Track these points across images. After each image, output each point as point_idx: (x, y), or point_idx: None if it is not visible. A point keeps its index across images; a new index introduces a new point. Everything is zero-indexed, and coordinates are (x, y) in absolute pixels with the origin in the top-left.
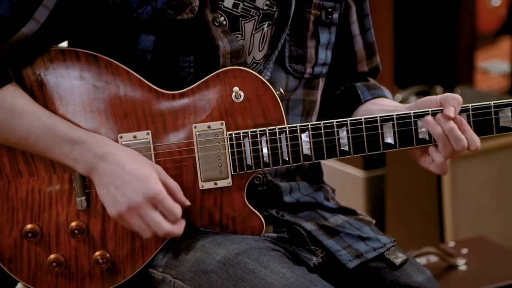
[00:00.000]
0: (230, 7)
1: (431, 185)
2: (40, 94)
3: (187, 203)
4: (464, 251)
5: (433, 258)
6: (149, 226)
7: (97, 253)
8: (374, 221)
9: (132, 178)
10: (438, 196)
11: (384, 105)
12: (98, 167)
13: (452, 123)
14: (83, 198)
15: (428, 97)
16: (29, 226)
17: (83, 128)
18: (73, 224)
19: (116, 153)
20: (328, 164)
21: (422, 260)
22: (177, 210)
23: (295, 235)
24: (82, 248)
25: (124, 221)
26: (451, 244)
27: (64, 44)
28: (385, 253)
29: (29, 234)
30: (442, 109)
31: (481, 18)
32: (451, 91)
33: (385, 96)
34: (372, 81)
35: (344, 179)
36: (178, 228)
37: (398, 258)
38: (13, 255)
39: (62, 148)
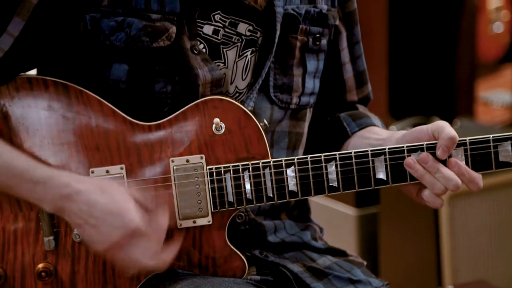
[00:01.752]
0: (210, 33)
1: (428, 224)
2: (5, 126)
3: (172, 225)
4: None
5: None
6: (132, 263)
7: None
8: (365, 263)
9: (106, 215)
10: (435, 236)
11: (372, 137)
12: (66, 208)
13: (438, 165)
14: (51, 237)
15: (419, 128)
16: None
17: (50, 163)
18: (40, 266)
19: (84, 190)
20: (317, 201)
21: None
22: (159, 242)
23: (280, 277)
24: None
25: (111, 258)
26: (450, 287)
27: (33, 72)
28: None
29: None
30: (434, 144)
31: (482, 45)
32: (450, 123)
33: (373, 124)
34: (361, 108)
35: (334, 217)
36: (162, 262)
37: None
38: None
39: (23, 187)
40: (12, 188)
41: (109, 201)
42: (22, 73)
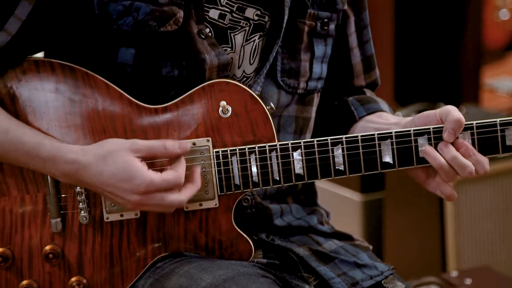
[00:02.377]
0: (216, 18)
1: (433, 210)
2: (12, 108)
3: (184, 148)
4: (468, 281)
5: None
6: (167, 207)
7: (73, 278)
8: (371, 247)
9: (116, 182)
10: (440, 222)
11: (380, 122)
12: (80, 181)
13: (454, 151)
14: (58, 219)
15: (427, 112)
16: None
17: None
18: (47, 247)
19: (89, 163)
20: (323, 187)
21: None
22: (178, 177)
23: (286, 261)
24: (57, 273)
25: (145, 210)
26: (454, 273)
27: (40, 54)
28: (382, 282)
29: (0, 259)
30: (443, 127)
31: (488, 32)
32: None
33: (381, 110)
34: (368, 93)
35: (340, 203)
36: (184, 196)
37: (397, 287)
38: None
39: (34, 163)
40: (25, 164)
41: (114, 168)
42: (29, 56)
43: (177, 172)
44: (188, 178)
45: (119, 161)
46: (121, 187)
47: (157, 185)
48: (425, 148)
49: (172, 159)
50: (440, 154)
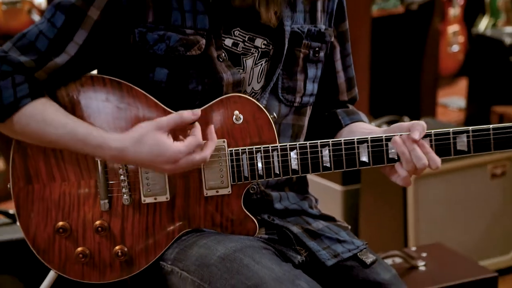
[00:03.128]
0: (230, 45)
1: (398, 199)
2: (72, 112)
3: (197, 113)
4: (424, 254)
5: (398, 260)
6: (194, 165)
7: (117, 247)
8: (349, 227)
9: (153, 158)
10: (403, 208)
11: (361, 128)
12: (124, 161)
13: (415, 145)
14: (106, 201)
15: (399, 123)
16: (60, 223)
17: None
18: (97, 222)
19: (127, 147)
20: (312, 179)
21: (388, 261)
22: (197, 141)
23: (283, 236)
24: (104, 243)
25: (181, 171)
26: (413, 248)
27: (94, 71)
28: (358, 254)
29: (61, 230)
30: (409, 134)
31: (443, 61)
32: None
33: (362, 120)
34: (351, 107)
35: (326, 192)
36: (207, 152)
37: (369, 258)
38: (47, 247)
39: (87, 149)
40: (80, 150)
41: (148, 148)
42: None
43: (195, 136)
44: (206, 136)
45: (149, 140)
46: (157, 160)
47: (184, 152)
48: (394, 138)
49: (190, 125)
50: (405, 145)
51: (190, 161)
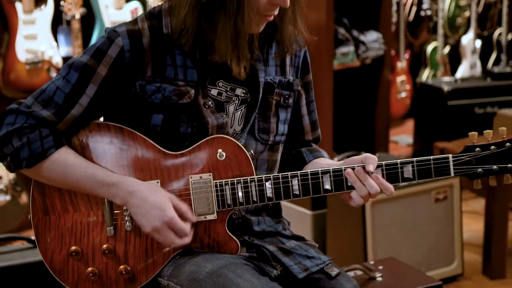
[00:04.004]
0: (216, 94)
1: (358, 221)
2: (82, 154)
3: (194, 219)
4: (380, 267)
5: (359, 272)
6: (167, 241)
7: (121, 267)
8: (317, 245)
9: (152, 208)
10: (362, 228)
11: (322, 163)
12: (129, 201)
13: (366, 175)
14: (112, 227)
15: (353, 157)
16: (73, 247)
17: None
18: (104, 246)
19: (141, 190)
20: (286, 205)
21: (351, 273)
22: (186, 229)
23: (261, 254)
24: (110, 263)
25: (154, 236)
26: (371, 262)
27: (100, 119)
28: (324, 268)
29: (73, 253)
30: (363, 165)
31: (393, 105)
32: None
33: (323, 156)
34: (314, 146)
35: (297, 216)
36: (187, 240)
37: (334, 271)
38: (62, 268)
39: (103, 189)
40: (95, 190)
41: (156, 199)
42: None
43: (187, 229)
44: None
45: (161, 196)
46: (154, 212)
47: (175, 224)
48: (347, 170)
49: (188, 221)
50: (357, 176)
51: (170, 237)
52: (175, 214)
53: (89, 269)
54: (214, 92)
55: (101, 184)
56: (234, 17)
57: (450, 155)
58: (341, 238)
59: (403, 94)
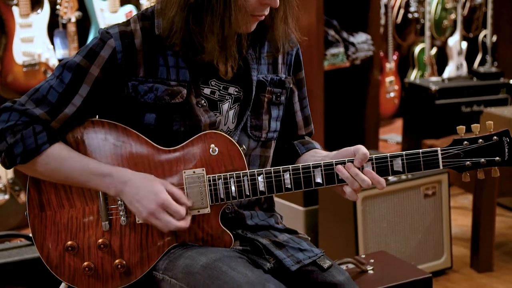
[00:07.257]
0: (209, 93)
1: (349, 216)
2: (77, 150)
3: (189, 204)
4: (371, 260)
5: (351, 265)
6: (165, 224)
7: (116, 261)
8: (309, 238)
9: (146, 193)
10: (354, 223)
11: (315, 155)
12: (124, 190)
13: (357, 170)
14: (107, 222)
15: (346, 148)
16: (69, 242)
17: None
18: (100, 240)
19: (134, 178)
20: (279, 201)
21: (343, 267)
22: (182, 210)
23: (254, 247)
24: (106, 257)
25: (150, 222)
26: (363, 255)
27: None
28: (316, 260)
29: (69, 248)
30: (353, 159)
31: (382, 105)
32: None
33: (315, 148)
34: (306, 138)
35: (290, 212)
36: (184, 223)
37: (326, 263)
38: (58, 263)
39: (97, 180)
40: (89, 182)
41: (148, 185)
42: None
43: (183, 211)
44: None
45: (154, 182)
46: (148, 197)
47: (169, 206)
48: (338, 166)
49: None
50: (347, 171)
51: (166, 219)
52: (169, 196)
53: (85, 263)
54: (207, 91)
55: (94, 175)
56: (221, 17)
57: (439, 148)
58: (333, 233)
59: (392, 94)
